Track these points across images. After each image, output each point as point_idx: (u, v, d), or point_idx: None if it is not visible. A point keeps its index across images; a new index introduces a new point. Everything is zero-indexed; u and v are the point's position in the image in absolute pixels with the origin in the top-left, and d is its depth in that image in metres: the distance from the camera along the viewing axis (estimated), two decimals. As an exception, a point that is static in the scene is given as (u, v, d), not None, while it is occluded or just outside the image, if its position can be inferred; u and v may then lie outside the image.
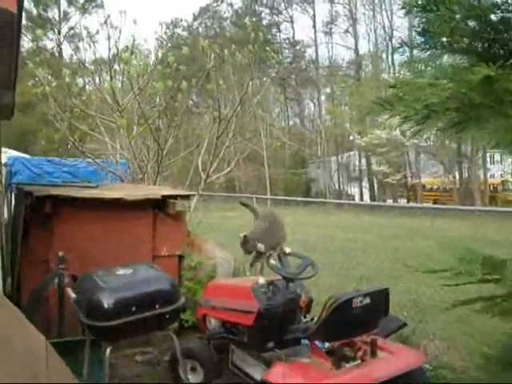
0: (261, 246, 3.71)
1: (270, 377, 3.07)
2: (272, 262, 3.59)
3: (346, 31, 41.66)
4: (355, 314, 3.04)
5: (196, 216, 6.97)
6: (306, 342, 3.38)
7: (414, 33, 2.24)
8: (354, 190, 38.75)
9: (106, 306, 3.23)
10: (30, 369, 2.11)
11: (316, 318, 3.40)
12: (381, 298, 3.24)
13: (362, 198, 35.96)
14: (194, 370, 4.07)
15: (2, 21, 3.74)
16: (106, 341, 3.37)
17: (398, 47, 2.16)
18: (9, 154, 11.83)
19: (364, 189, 37.24)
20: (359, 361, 3.15)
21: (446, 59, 2.16)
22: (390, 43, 36.75)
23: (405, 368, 3.05)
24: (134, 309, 3.27)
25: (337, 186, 38.54)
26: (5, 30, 3.92)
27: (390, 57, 37.65)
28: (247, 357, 3.68)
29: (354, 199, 35.00)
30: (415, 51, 2.30)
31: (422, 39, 2.02)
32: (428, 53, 2.08)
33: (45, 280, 4.23)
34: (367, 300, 3.08)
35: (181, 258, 5.15)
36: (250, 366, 3.63)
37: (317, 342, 3.30)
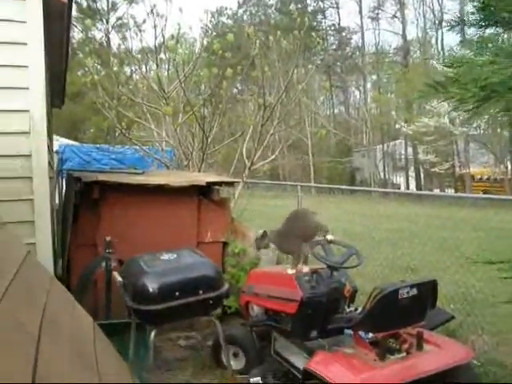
0: (274, 249, 3.64)
1: (312, 365, 3.05)
2: (316, 250, 3.56)
3: (394, 16, 40.47)
4: (401, 305, 2.97)
5: (240, 203, 6.99)
6: (350, 331, 3.34)
7: (466, 14, 2.11)
8: (399, 179, 37.94)
9: (150, 290, 3.29)
10: (78, 348, 2.18)
11: (360, 308, 3.36)
12: (428, 290, 3.14)
13: (407, 188, 35.14)
14: (236, 355, 4.10)
15: (53, 11, 3.84)
16: (150, 324, 3.44)
17: (454, 25, 2.03)
18: (60, 141, 12.24)
19: (410, 178, 36.37)
20: (404, 353, 3.08)
21: (506, 37, 2.01)
22: (439, 27, 35.40)
23: (452, 363, 2.96)
24: (177, 294, 3.32)
25: (382, 176, 37.84)
26: (56, 19, 4.02)
27: (439, 42, 36.35)
28: (290, 345, 3.67)
29: (399, 189, 34.25)
30: (469, 32, 2.16)
31: (482, 16, 1.88)
32: (487, 31, 1.95)
33: (92, 264, 4.34)
34: (414, 291, 3.00)
35: (225, 244, 5.18)
36: (292, 354, 3.63)
37: (360, 333, 3.25)
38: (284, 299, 3.54)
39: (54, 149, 9.66)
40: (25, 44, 3.64)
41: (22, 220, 3.67)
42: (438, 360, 2.99)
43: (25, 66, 3.64)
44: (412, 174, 36.09)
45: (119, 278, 3.51)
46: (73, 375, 1.85)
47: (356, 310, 3.48)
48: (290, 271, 3.57)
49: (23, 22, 3.63)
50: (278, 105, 7.08)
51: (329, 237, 3.61)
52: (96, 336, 2.80)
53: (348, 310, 3.53)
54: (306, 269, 3.56)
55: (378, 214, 8.82)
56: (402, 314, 3.04)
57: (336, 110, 46.40)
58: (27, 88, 3.65)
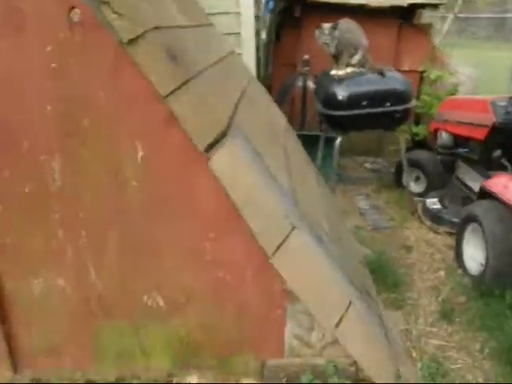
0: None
1: (489, 184, 3.00)
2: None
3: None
4: None
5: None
6: None
7: None
8: None
9: (340, 97, 3.54)
10: (274, 135, 2.60)
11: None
12: None
13: None
14: (417, 179, 4.23)
15: None
16: (337, 130, 3.74)
17: None
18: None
19: None
20: None
21: None
22: None
23: None
24: (365, 103, 3.51)
25: None
26: None
27: None
28: (472, 172, 3.63)
29: None
30: None
31: None
32: None
33: (291, 78, 4.68)
34: None
35: (422, 74, 4.98)
36: (473, 180, 3.58)
37: None
38: (475, 125, 3.44)
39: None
40: None
41: (230, 32, 4.03)
42: None
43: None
44: None
45: (312, 85, 3.78)
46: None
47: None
48: (341, 72, 3.64)
49: None
50: None
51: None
52: (288, 131, 3.20)
53: None
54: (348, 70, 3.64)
55: None
56: None
57: None
58: None
